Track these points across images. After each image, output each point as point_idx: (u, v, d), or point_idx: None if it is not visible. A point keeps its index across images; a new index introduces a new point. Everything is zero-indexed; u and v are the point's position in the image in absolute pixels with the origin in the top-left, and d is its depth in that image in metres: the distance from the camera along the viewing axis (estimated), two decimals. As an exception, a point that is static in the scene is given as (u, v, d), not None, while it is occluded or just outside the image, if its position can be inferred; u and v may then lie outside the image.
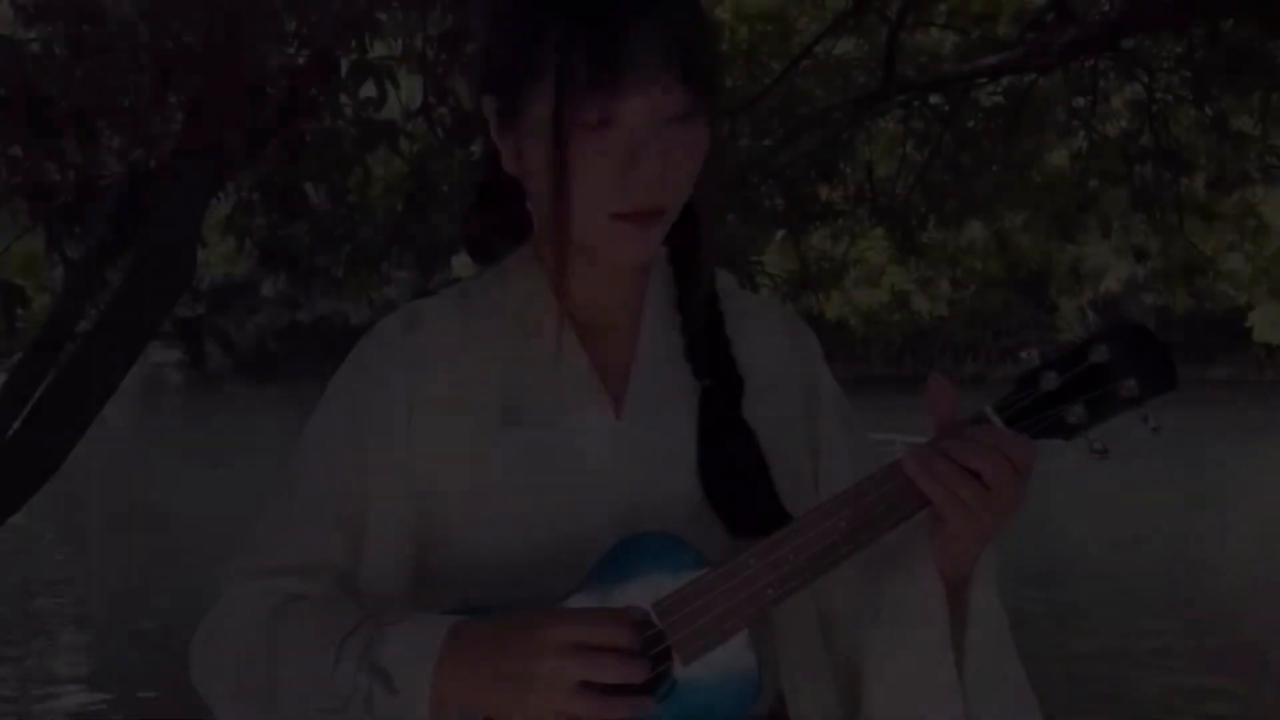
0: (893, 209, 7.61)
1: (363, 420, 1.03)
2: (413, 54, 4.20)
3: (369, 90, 3.94)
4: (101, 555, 10.01)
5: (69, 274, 2.98)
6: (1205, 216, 7.85)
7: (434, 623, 0.92)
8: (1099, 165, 7.69)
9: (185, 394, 35.53)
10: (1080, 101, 7.12)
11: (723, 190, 1.08)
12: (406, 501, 1.02)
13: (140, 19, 2.98)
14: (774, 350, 1.11)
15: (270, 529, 1.06)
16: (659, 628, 0.92)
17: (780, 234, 7.13)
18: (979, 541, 0.92)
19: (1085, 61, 6.29)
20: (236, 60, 2.37)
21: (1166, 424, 0.94)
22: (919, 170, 7.42)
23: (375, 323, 1.11)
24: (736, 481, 1.02)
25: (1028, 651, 0.99)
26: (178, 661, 1.08)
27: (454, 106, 4.18)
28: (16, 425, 2.64)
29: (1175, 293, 9.11)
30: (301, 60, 3.52)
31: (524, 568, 1.00)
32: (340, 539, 1.03)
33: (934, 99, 6.96)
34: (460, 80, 4.25)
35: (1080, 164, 7.57)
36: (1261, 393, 29.02)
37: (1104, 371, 0.93)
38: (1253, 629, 7.56)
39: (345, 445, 1.04)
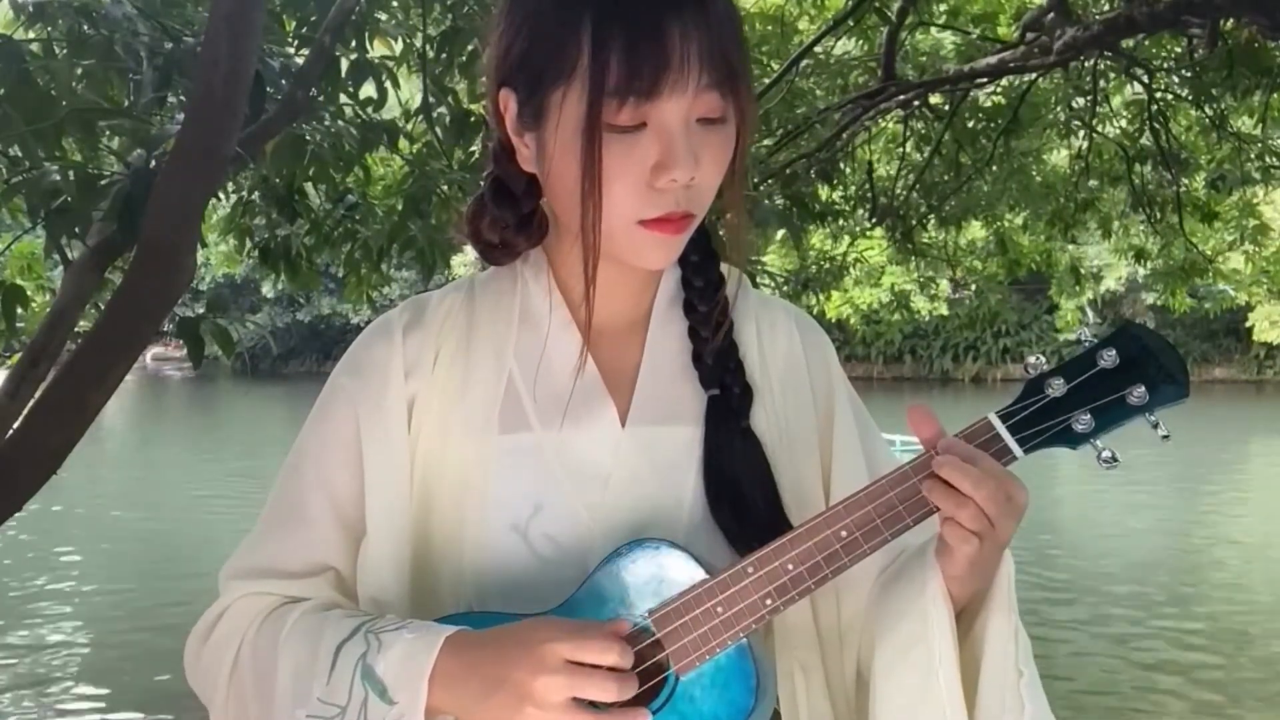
0: (893, 209, 7.60)
1: (361, 420, 1.02)
2: (412, 54, 4.20)
3: (369, 90, 3.94)
4: (101, 555, 10.00)
5: (69, 274, 2.98)
6: (1205, 216, 7.84)
7: (430, 633, 0.91)
8: (1099, 165, 7.68)
9: (185, 393, 35.51)
10: (1080, 101, 7.11)
11: (741, 194, 1.06)
12: (405, 504, 1.01)
13: (140, 19, 2.98)
14: (786, 355, 1.10)
15: (267, 530, 1.06)
16: (657, 636, 0.91)
17: (780, 234, 7.12)
18: (981, 561, 0.91)
19: (1085, 61, 6.29)
20: (236, 60, 2.36)
21: (1165, 422, 0.92)
22: (919, 170, 7.42)
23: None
24: (741, 493, 1.01)
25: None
26: (176, 662, 1.08)
27: (454, 106, 4.19)
28: (16, 425, 2.64)
29: (1175, 293, 9.08)
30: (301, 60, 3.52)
31: (523, 573, 0.99)
32: (338, 541, 1.03)
33: (934, 99, 6.96)
34: (461, 80, 4.26)
35: (1080, 164, 7.56)
36: (1262, 393, 29.01)
37: (1112, 378, 0.91)
38: (1253, 627, 7.56)
39: (343, 446, 1.03)
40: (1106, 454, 0.92)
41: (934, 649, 0.93)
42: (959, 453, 0.90)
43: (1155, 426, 0.92)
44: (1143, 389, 0.91)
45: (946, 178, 7.63)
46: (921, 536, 0.96)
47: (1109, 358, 0.91)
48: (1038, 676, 0.95)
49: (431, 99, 4.12)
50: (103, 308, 2.82)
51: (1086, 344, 0.93)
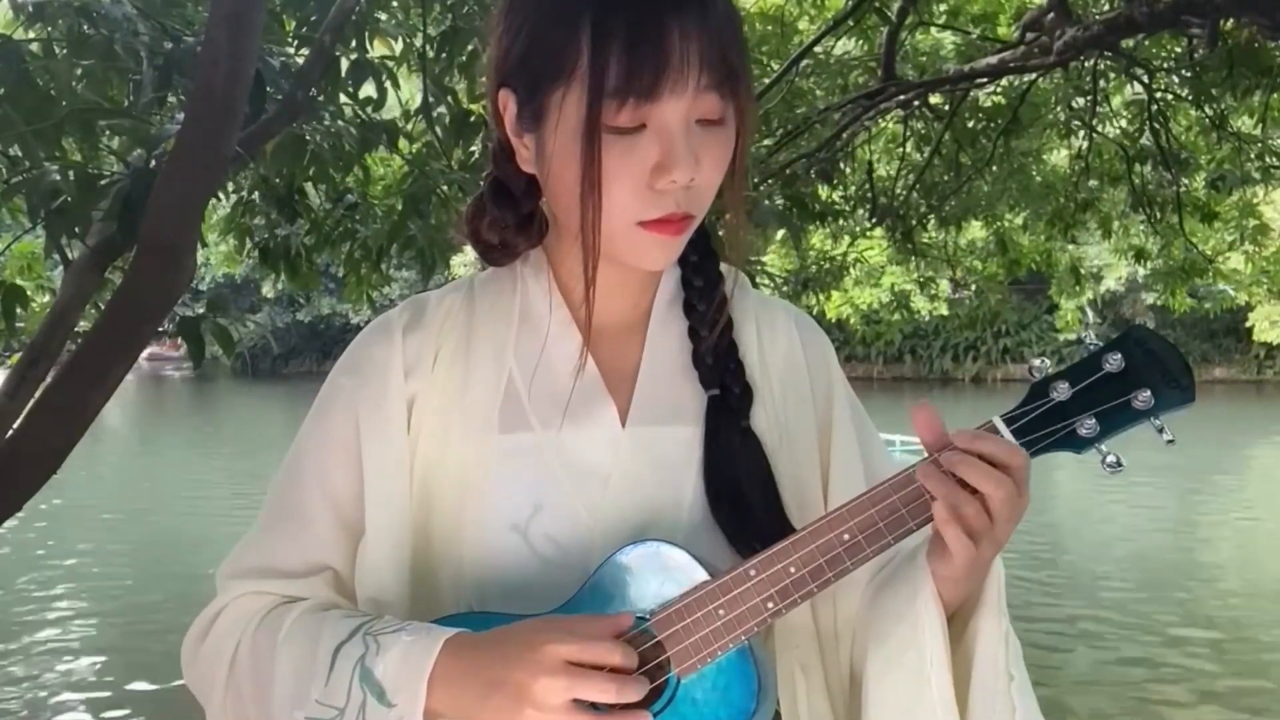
0: (893, 209, 7.60)
1: (361, 420, 1.02)
2: (412, 54, 4.20)
3: (369, 90, 3.94)
4: (100, 554, 10.00)
5: (69, 274, 2.98)
6: (1205, 216, 7.84)
7: (429, 636, 0.90)
8: (1099, 165, 7.68)
9: (185, 393, 35.52)
10: (1080, 101, 7.11)
11: (741, 195, 1.07)
12: (404, 504, 1.01)
13: (140, 19, 2.97)
14: (786, 355, 1.09)
15: (266, 529, 1.05)
16: (658, 638, 0.91)
17: (780, 234, 7.13)
18: (979, 564, 0.91)
19: (1085, 61, 6.29)
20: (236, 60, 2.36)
21: (1168, 424, 0.92)
22: (919, 170, 7.42)
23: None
24: (741, 493, 1.01)
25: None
26: (174, 662, 1.07)
27: (454, 106, 4.19)
28: (17, 425, 2.64)
29: (1175, 293, 9.08)
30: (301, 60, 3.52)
31: (524, 573, 0.99)
32: (336, 541, 1.03)
33: (934, 99, 6.96)
34: (461, 80, 4.26)
35: (1080, 164, 7.56)
36: (1262, 393, 29.01)
37: (1118, 382, 0.91)
38: (1251, 626, 7.56)
39: (342, 446, 1.02)
40: (1111, 459, 0.91)
41: (926, 654, 0.93)
42: (985, 450, 0.89)
43: (1160, 431, 0.92)
44: (1148, 393, 0.90)
45: (946, 178, 7.63)
46: (916, 540, 0.95)
47: (1114, 361, 0.91)
48: (1028, 680, 0.95)
49: (431, 99, 4.12)
50: (103, 308, 2.82)
51: (1091, 347, 0.93)
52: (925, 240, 8.56)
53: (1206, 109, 6.70)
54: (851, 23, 6.10)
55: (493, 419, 1.02)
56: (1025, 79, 6.50)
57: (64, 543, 10.20)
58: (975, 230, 9.59)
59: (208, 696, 1.02)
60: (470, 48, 4.01)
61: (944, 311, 19.35)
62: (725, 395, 1.04)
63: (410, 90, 4.58)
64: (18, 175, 2.91)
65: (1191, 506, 12.44)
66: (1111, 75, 6.78)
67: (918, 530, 0.92)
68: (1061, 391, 0.91)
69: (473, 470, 1.00)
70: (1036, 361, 0.93)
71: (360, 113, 3.97)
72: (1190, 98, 6.67)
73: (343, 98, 3.89)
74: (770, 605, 0.91)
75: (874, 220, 7.74)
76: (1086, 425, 0.91)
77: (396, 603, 1.00)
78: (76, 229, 2.84)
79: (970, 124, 7.07)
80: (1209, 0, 4.90)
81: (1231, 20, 5.25)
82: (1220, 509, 12.40)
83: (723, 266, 1.08)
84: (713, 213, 1.00)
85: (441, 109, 4.20)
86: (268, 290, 30.61)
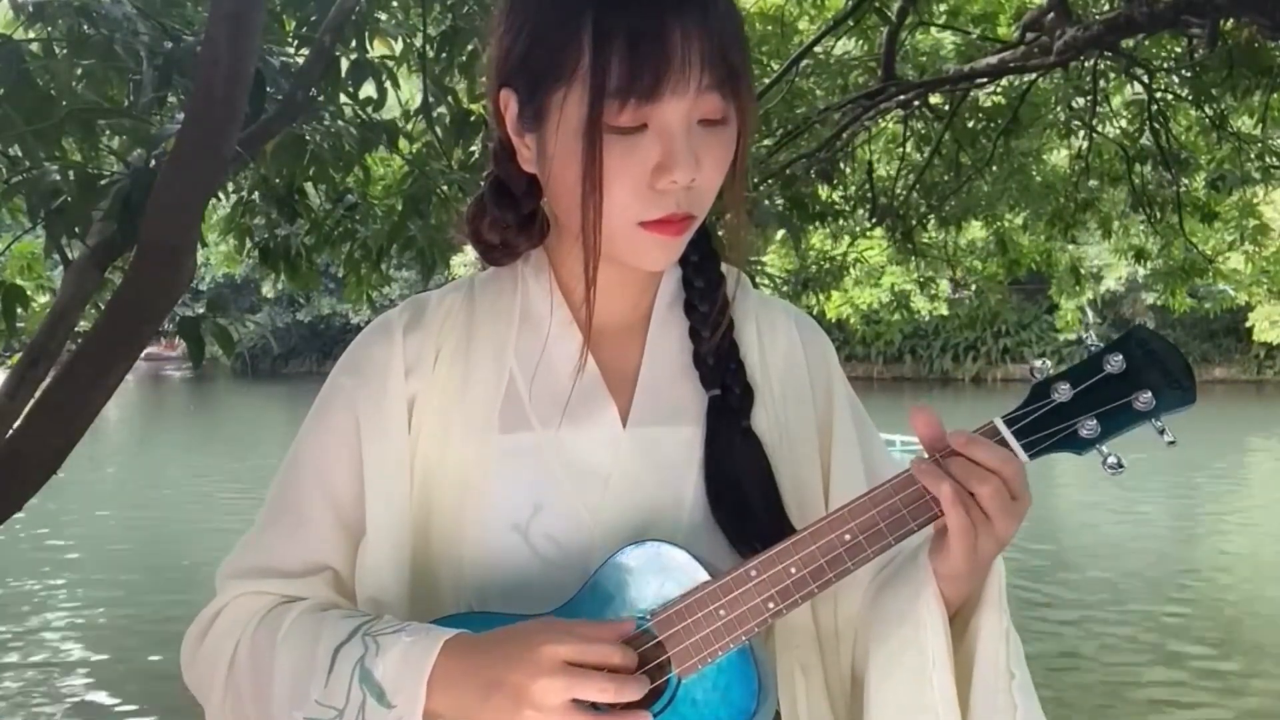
0: (893, 209, 7.60)
1: (361, 420, 1.02)
2: (412, 54, 4.20)
3: (369, 90, 3.94)
4: (100, 554, 10.00)
5: (69, 274, 2.98)
6: (1205, 216, 7.84)
7: (429, 637, 0.90)
8: (1099, 165, 7.68)
9: (185, 393, 35.52)
10: (1080, 101, 7.11)
11: (741, 195, 1.07)
12: (404, 504, 1.01)
13: (140, 19, 2.97)
14: (786, 356, 1.09)
15: (265, 529, 1.05)
16: (659, 639, 0.91)
17: (780, 234, 7.13)
18: (979, 561, 0.91)
19: (1085, 61, 6.29)
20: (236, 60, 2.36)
21: (1168, 425, 0.92)
22: (919, 170, 7.42)
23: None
24: (742, 493, 1.00)
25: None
26: (174, 662, 1.07)
27: (454, 106, 4.19)
28: (17, 425, 2.64)
29: (1175, 293, 9.09)
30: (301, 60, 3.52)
31: (524, 573, 0.98)
32: (336, 540, 1.02)
33: (934, 99, 6.96)
34: (461, 80, 4.26)
35: (1080, 164, 7.56)
36: (1261, 393, 29.01)
37: (1119, 383, 0.91)
38: (1251, 626, 7.56)
39: (343, 445, 1.02)
40: (1112, 459, 0.91)
41: (928, 653, 0.93)
42: (977, 456, 0.90)
43: (1161, 432, 0.92)
44: (1149, 394, 0.90)
45: (946, 178, 7.63)
46: (917, 540, 0.95)
47: (1115, 363, 0.91)
48: (1029, 678, 0.95)
49: (431, 99, 4.12)
50: (103, 308, 2.82)
51: (1092, 348, 0.93)
52: (925, 240, 8.56)
53: (1206, 109, 6.70)
54: (851, 23, 6.10)
55: (493, 419, 1.02)
56: (1025, 79, 6.50)
57: (62, 542, 10.20)
58: (975, 230, 9.59)
59: (207, 696, 1.01)
60: (470, 48, 4.01)
61: (944, 311, 19.35)
62: (726, 396, 1.04)
63: (410, 90, 4.58)
64: (18, 175, 2.91)
65: (1191, 506, 12.43)
66: (1111, 75, 6.78)
67: (918, 531, 0.92)
68: (1063, 392, 0.91)
69: (473, 470, 1.00)
70: (1038, 362, 0.93)
71: (360, 113, 3.96)
72: (1190, 98, 6.67)
73: (343, 98, 3.88)
74: (771, 605, 0.91)
75: (874, 220, 7.73)
76: (1088, 426, 0.91)
77: (396, 603, 1.00)
78: (76, 229, 2.84)
79: (970, 124, 7.07)
80: (1209, 0, 4.90)
81: (1231, 20, 5.25)
82: (1220, 509, 12.40)
83: (724, 267, 1.08)
84: (713, 213, 1.00)
85: (441, 109, 4.19)
86: (268, 290, 30.61)
